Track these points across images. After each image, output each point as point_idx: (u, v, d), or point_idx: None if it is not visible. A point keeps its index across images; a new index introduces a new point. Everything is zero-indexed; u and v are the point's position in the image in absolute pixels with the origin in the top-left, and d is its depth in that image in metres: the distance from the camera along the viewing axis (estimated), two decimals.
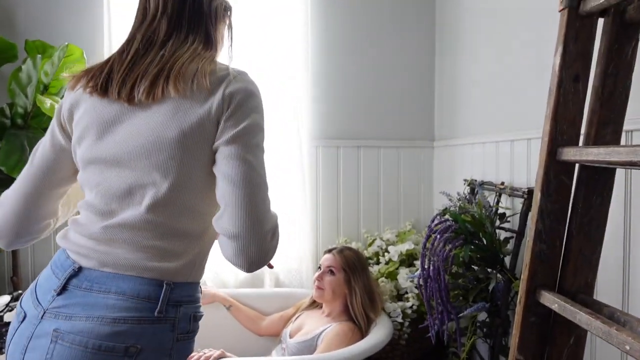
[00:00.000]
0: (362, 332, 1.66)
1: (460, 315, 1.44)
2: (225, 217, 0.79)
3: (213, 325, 1.97)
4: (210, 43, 0.91)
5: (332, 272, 1.74)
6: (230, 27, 0.98)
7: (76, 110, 0.87)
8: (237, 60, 1.84)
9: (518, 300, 1.03)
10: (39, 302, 0.79)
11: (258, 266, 0.80)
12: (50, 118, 1.65)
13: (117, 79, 0.83)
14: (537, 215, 1.00)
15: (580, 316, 0.85)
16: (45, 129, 1.26)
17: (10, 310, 1.69)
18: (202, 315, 0.87)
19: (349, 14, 2.31)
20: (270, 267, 1.02)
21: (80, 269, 0.80)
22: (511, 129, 1.67)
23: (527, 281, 1.01)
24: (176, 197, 0.80)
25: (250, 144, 0.82)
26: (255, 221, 0.78)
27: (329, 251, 1.82)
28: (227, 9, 0.97)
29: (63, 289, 0.78)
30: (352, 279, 1.71)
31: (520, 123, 1.61)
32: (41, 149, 0.92)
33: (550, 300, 0.95)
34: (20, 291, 1.78)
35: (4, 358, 0.82)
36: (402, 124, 2.39)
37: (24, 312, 0.81)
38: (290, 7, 2.18)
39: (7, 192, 0.91)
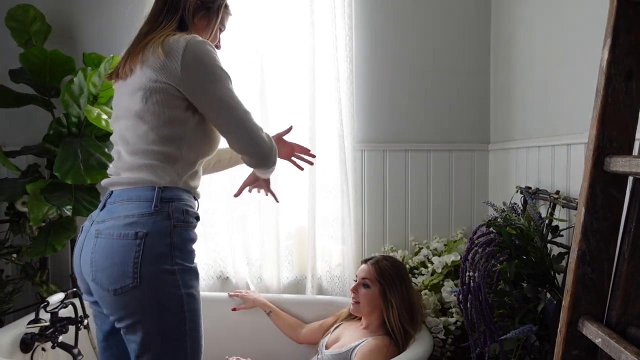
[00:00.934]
0: (399, 348, 1.58)
1: (504, 337, 1.31)
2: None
3: (253, 330, 1.98)
4: (184, 27, 1.20)
5: (366, 284, 1.67)
6: (215, 15, 1.26)
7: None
8: (282, 62, 1.92)
9: (558, 330, 0.91)
10: (91, 217, 1.18)
11: None
12: (98, 127, 1.73)
13: (119, 65, 1.19)
14: (581, 234, 0.87)
15: (625, 356, 0.72)
16: (98, 137, 1.36)
17: (65, 307, 1.80)
18: (195, 211, 1.18)
19: (396, 10, 2.22)
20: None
21: (112, 192, 1.17)
22: (568, 132, 1.50)
23: (568, 309, 0.89)
24: (147, 129, 1.13)
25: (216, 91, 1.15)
26: None
27: (365, 261, 1.74)
28: (205, 5, 1.24)
29: (103, 207, 1.16)
30: (387, 291, 1.62)
31: (578, 126, 1.44)
32: None
33: (594, 333, 0.82)
34: (74, 289, 1.89)
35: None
36: (455, 126, 2.25)
37: (82, 227, 1.20)
38: (334, 7, 2.13)
39: None
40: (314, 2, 2.12)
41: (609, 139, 0.84)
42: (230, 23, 1.35)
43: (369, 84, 2.24)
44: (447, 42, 2.22)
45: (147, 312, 1.07)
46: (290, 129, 1.55)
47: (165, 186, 1.12)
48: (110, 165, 1.24)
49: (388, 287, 1.63)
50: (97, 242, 1.10)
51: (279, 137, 1.52)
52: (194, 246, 1.17)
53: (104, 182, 1.22)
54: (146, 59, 1.12)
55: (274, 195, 1.55)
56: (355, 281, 1.72)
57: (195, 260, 1.17)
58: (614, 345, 0.75)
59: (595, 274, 0.87)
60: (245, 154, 1.21)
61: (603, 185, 0.85)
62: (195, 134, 1.17)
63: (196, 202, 1.23)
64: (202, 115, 1.18)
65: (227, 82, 1.16)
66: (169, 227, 1.09)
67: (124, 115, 1.17)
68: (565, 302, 0.89)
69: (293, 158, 1.55)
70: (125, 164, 1.16)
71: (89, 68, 1.82)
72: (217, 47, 1.33)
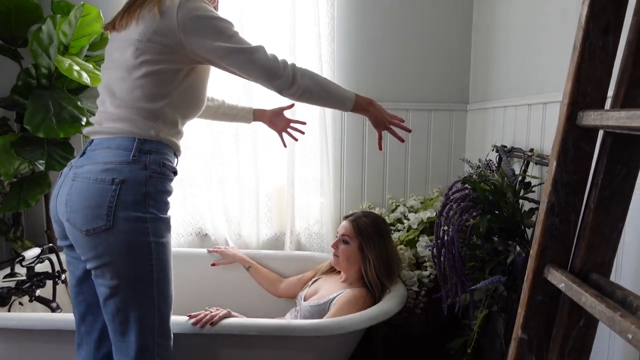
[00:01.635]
0: (375, 299, 1.64)
1: (474, 287, 1.37)
2: None
3: (232, 284, 2.02)
4: None
5: (346, 240, 1.71)
6: None
7: None
8: (262, 18, 1.83)
9: (525, 278, 0.96)
10: (71, 163, 1.21)
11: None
12: (70, 79, 1.66)
13: (116, 17, 1.21)
14: (551, 187, 0.90)
15: (585, 298, 0.77)
16: (70, 90, 1.33)
17: (41, 262, 1.79)
18: (172, 164, 1.21)
19: None
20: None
21: (92, 140, 1.19)
22: (545, 90, 1.52)
23: (535, 257, 0.93)
24: (134, 86, 1.15)
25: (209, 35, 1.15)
26: None
27: (346, 218, 1.78)
28: None
29: (83, 154, 1.18)
30: (365, 247, 1.67)
31: (554, 84, 1.46)
32: None
33: (558, 278, 0.87)
34: (50, 244, 1.87)
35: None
36: (434, 85, 2.25)
37: (62, 172, 1.22)
38: None
39: None
40: None
41: (582, 94, 0.86)
42: None
43: (351, 43, 2.20)
44: (429, 2, 2.19)
45: (116, 256, 1.11)
46: (292, 105, 1.62)
47: (145, 138, 1.16)
48: (95, 114, 1.26)
49: (365, 243, 1.67)
50: (74, 184, 1.13)
51: (280, 111, 1.59)
52: (169, 199, 1.20)
53: (86, 130, 1.25)
54: (142, 16, 1.13)
55: (291, 134, 1.66)
56: (337, 237, 1.76)
57: (169, 212, 1.20)
58: (576, 289, 0.80)
59: (563, 224, 0.91)
60: (270, 87, 1.23)
61: (575, 139, 0.88)
62: (180, 96, 1.19)
63: (176, 158, 1.25)
64: (191, 78, 1.20)
65: (226, 29, 1.16)
66: (145, 176, 1.13)
67: (114, 66, 1.18)
68: (533, 251, 0.94)
69: (289, 130, 1.63)
70: (108, 115, 1.18)
71: (58, 16, 1.73)
72: (216, 8, 1.31)
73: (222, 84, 2.07)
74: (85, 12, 1.69)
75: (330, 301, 1.64)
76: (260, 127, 2.16)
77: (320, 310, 1.64)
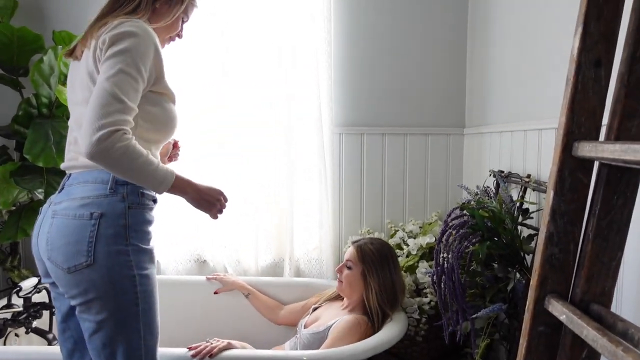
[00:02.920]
0: (375, 327, 1.62)
1: (476, 316, 1.36)
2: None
3: (232, 312, 2.00)
4: (135, 12, 1.16)
5: (350, 266, 1.70)
6: (179, 5, 1.22)
7: None
8: (256, 45, 1.79)
9: (526, 308, 0.95)
10: (50, 200, 1.20)
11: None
12: None
13: (78, 44, 1.19)
14: (550, 216, 0.90)
15: (587, 331, 0.76)
16: (69, 118, 1.35)
17: (39, 292, 1.77)
18: (152, 194, 1.17)
19: None
20: None
21: (70, 175, 1.18)
22: (540, 117, 1.54)
23: (536, 288, 0.92)
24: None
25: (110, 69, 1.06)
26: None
27: (354, 243, 1.77)
28: None
29: (62, 189, 1.18)
30: (368, 274, 1.66)
31: (549, 111, 1.48)
32: None
33: (559, 310, 0.86)
34: None
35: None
36: (431, 110, 2.28)
37: (42, 209, 1.21)
38: None
39: None
40: None
41: (577, 124, 0.87)
42: (194, 15, 1.30)
43: (348, 68, 2.24)
44: (425, 27, 2.23)
45: (100, 291, 1.09)
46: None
47: None
48: (67, 151, 1.23)
49: (368, 270, 1.66)
50: (53, 222, 1.12)
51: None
52: (151, 228, 1.18)
53: (62, 165, 1.23)
54: (91, 43, 1.11)
55: None
56: (342, 262, 1.76)
57: (152, 242, 1.17)
58: (577, 322, 0.79)
59: (562, 254, 0.91)
60: (86, 135, 1.03)
61: (571, 169, 0.89)
62: (145, 122, 1.14)
63: None
64: (150, 104, 1.13)
65: (127, 65, 1.04)
66: (123, 208, 1.11)
67: (78, 101, 1.16)
68: (533, 281, 0.93)
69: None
70: (79, 149, 1.15)
71: (60, 47, 1.76)
72: (179, 36, 1.30)
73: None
74: None
75: (328, 328, 1.62)
76: (259, 153, 2.18)
77: (320, 338, 1.62)
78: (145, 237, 1.16)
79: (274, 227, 2.24)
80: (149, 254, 1.16)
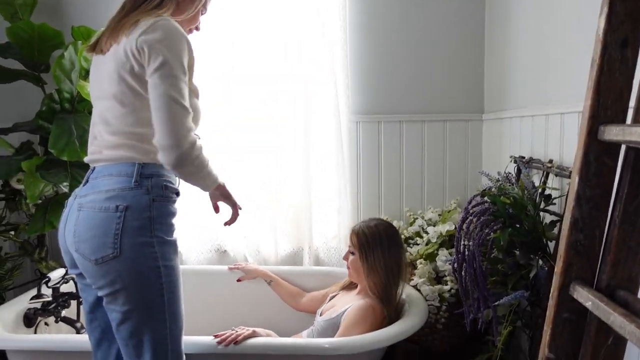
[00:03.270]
0: (387, 309, 1.60)
1: (497, 303, 1.35)
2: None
3: (254, 300, 2.03)
4: (161, 6, 1.17)
5: (352, 252, 1.71)
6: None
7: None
8: (272, 35, 1.82)
9: (550, 295, 0.94)
10: (75, 193, 1.22)
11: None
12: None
13: (100, 38, 1.20)
14: (574, 202, 0.89)
15: (614, 317, 0.75)
16: (91, 113, 1.37)
17: (66, 282, 1.82)
18: (174, 186, 1.20)
19: None
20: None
21: (94, 168, 1.21)
22: (562, 101, 1.51)
23: (560, 274, 0.91)
24: (126, 112, 1.14)
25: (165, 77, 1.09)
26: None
27: (352, 229, 1.77)
28: None
29: (86, 182, 1.20)
30: (366, 257, 1.65)
31: (572, 95, 1.45)
32: None
33: (585, 296, 0.85)
34: None
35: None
36: (449, 96, 2.25)
37: (67, 202, 1.24)
38: None
39: None
40: None
41: (603, 107, 0.85)
42: (211, 5, 1.33)
43: (363, 55, 2.21)
44: (442, 11, 2.19)
45: (126, 282, 1.12)
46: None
47: (145, 162, 1.16)
48: (90, 144, 1.26)
49: (365, 252, 1.65)
50: (79, 214, 1.15)
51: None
52: (174, 220, 1.20)
53: (86, 159, 1.25)
54: (121, 39, 1.12)
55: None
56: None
57: (175, 234, 1.20)
58: (604, 308, 0.78)
59: (587, 240, 0.89)
60: (160, 149, 1.11)
61: (597, 153, 0.87)
62: None
63: (176, 178, 1.24)
64: None
65: (177, 70, 1.09)
66: (148, 200, 1.14)
67: (103, 95, 1.18)
68: (558, 268, 0.92)
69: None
70: (106, 143, 1.18)
71: (79, 42, 1.78)
72: (197, 28, 1.32)
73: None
74: None
75: (342, 314, 1.63)
76: (276, 142, 2.18)
77: (333, 324, 1.63)
78: (169, 229, 1.18)
79: (293, 216, 2.25)
80: (173, 246, 1.18)
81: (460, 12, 2.19)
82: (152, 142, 1.13)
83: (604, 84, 0.85)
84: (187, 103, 1.10)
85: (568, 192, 1.33)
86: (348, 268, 1.73)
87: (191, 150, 1.10)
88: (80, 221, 1.14)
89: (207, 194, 1.70)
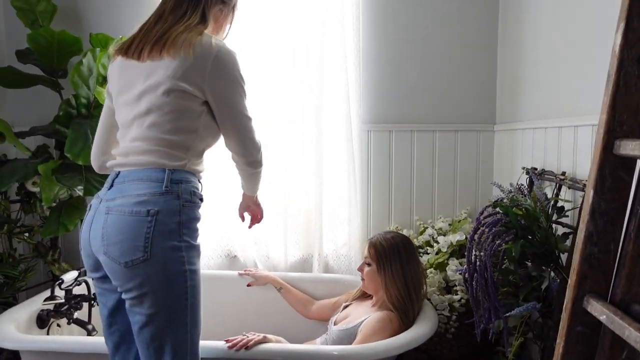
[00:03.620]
0: (404, 321, 1.61)
1: (509, 314, 1.35)
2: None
3: (263, 306, 2.03)
4: (205, 21, 1.25)
5: (369, 263, 1.71)
6: (231, 13, 1.35)
7: (109, 74, 1.30)
8: (286, 42, 1.89)
9: (564, 307, 0.94)
10: (99, 196, 1.23)
11: None
12: None
13: (135, 43, 1.22)
14: (589, 215, 0.89)
15: (629, 332, 0.76)
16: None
17: (79, 284, 1.84)
18: (200, 193, 1.24)
19: None
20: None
21: (119, 172, 1.21)
22: (575, 113, 1.51)
23: (574, 287, 0.91)
24: (165, 120, 1.18)
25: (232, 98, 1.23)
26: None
27: (368, 240, 1.78)
28: (225, 2, 1.31)
29: (111, 186, 1.20)
30: (383, 269, 1.66)
31: (585, 108, 1.45)
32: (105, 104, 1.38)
33: (599, 310, 0.86)
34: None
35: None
36: (460, 106, 2.25)
37: (90, 204, 1.25)
38: None
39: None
40: None
41: (619, 122, 0.86)
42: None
43: (376, 65, 2.23)
44: (454, 22, 2.21)
45: (154, 285, 1.13)
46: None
47: (174, 169, 1.18)
48: (107, 148, 1.30)
49: (382, 265, 1.66)
50: (108, 218, 1.15)
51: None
52: (199, 225, 1.23)
53: (110, 163, 1.26)
54: (175, 53, 1.16)
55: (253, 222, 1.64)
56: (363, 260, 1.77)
57: (199, 239, 1.22)
58: (618, 322, 0.79)
59: (602, 253, 0.89)
60: (240, 155, 1.30)
61: (612, 168, 0.87)
62: (205, 129, 1.24)
63: (200, 184, 1.28)
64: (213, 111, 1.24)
65: (243, 90, 1.25)
66: (178, 206, 1.16)
67: (137, 99, 1.19)
68: (571, 281, 0.92)
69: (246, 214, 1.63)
70: (135, 148, 1.20)
71: (98, 49, 1.82)
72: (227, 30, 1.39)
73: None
74: None
75: (359, 324, 1.63)
76: (287, 149, 2.20)
77: (349, 335, 1.64)
78: (195, 233, 1.20)
79: (303, 223, 2.27)
80: (197, 250, 1.20)
81: (473, 22, 2.21)
82: (186, 151, 1.20)
83: (620, 99, 0.85)
84: (249, 113, 1.27)
85: (581, 204, 1.33)
86: (363, 279, 1.74)
87: (261, 155, 1.32)
88: (109, 224, 1.15)
89: (220, 200, 1.83)
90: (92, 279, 1.28)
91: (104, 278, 1.23)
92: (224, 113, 1.23)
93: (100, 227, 1.16)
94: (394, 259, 1.67)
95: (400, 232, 2.18)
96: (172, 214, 1.15)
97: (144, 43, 1.20)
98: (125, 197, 1.15)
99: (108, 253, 1.14)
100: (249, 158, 1.30)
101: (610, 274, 0.90)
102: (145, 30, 1.22)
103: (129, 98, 1.22)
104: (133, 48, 1.22)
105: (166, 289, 1.14)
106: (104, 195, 1.21)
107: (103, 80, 1.85)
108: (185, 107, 1.18)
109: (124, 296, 1.17)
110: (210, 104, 1.22)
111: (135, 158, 1.19)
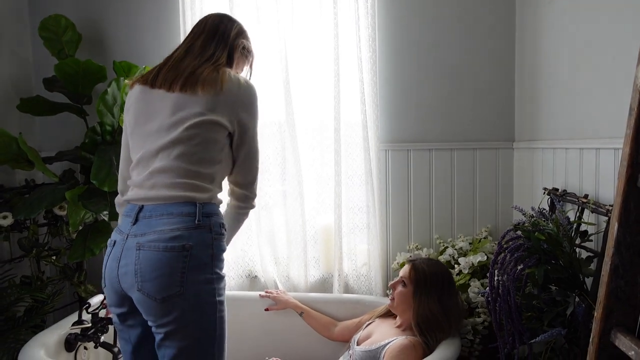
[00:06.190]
0: (429, 348, 1.61)
1: (534, 340, 1.34)
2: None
3: (284, 328, 2.04)
4: (231, 63, 1.36)
5: (404, 283, 1.70)
6: (249, 58, 1.44)
7: (128, 102, 1.31)
8: (306, 63, 2.08)
9: (590, 340, 0.93)
10: (122, 231, 1.21)
11: None
12: None
13: (162, 74, 1.25)
14: (614, 248, 0.89)
15: None
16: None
17: (105, 308, 1.88)
18: (224, 222, 1.26)
19: (419, 9, 2.22)
20: None
21: (142, 207, 1.20)
22: (597, 136, 1.50)
23: (601, 320, 0.91)
24: (193, 151, 1.20)
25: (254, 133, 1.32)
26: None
27: (409, 262, 1.77)
28: (246, 48, 1.41)
29: (135, 221, 1.19)
30: (419, 294, 1.65)
31: (608, 131, 1.44)
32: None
33: (627, 345, 0.85)
34: None
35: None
36: (479, 124, 2.25)
37: (114, 240, 1.23)
38: (357, 7, 2.14)
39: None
40: (337, 3, 2.13)
41: None
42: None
43: (393, 84, 2.25)
44: (471, 40, 2.21)
45: (189, 319, 1.15)
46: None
47: (204, 202, 1.21)
48: (124, 180, 1.31)
49: (420, 290, 1.65)
50: (140, 254, 1.14)
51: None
52: (225, 256, 1.26)
53: (131, 196, 1.23)
54: (208, 88, 1.21)
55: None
56: (397, 279, 1.76)
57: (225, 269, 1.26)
58: None
59: (628, 286, 0.89)
60: (243, 187, 1.34)
61: (636, 200, 0.87)
62: (227, 159, 1.29)
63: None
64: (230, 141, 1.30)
65: (257, 123, 1.32)
66: (210, 239, 1.18)
67: (167, 131, 1.20)
68: (598, 314, 0.92)
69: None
70: (161, 180, 1.18)
71: (122, 78, 1.87)
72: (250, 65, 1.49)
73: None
74: None
75: (382, 347, 1.63)
76: (305, 170, 2.23)
77: (372, 356, 1.63)
78: (222, 264, 1.23)
79: (323, 243, 2.28)
80: (224, 281, 1.23)
81: (491, 39, 2.21)
82: (212, 183, 1.23)
83: None
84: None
85: (605, 229, 1.32)
86: (392, 299, 1.72)
87: (255, 196, 1.38)
88: (142, 261, 1.13)
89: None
90: (114, 314, 1.28)
91: (127, 314, 1.23)
92: (244, 142, 1.28)
93: (132, 263, 1.15)
94: (433, 288, 1.65)
95: (420, 251, 2.18)
96: (205, 247, 1.17)
97: (175, 75, 1.23)
98: (157, 232, 1.14)
99: (143, 289, 1.13)
100: (250, 192, 1.34)
101: (638, 307, 0.90)
102: (174, 61, 1.27)
103: (154, 128, 1.22)
104: (161, 78, 1.24)
105: (199, 321, 1.16)
106: (128, 230, 1.19)
107: None
108: (213, 138, 1.22)
109: (156, 330, 1.17)
110: (234, 134, 1.27)
111: (162, 191, 1.17)
